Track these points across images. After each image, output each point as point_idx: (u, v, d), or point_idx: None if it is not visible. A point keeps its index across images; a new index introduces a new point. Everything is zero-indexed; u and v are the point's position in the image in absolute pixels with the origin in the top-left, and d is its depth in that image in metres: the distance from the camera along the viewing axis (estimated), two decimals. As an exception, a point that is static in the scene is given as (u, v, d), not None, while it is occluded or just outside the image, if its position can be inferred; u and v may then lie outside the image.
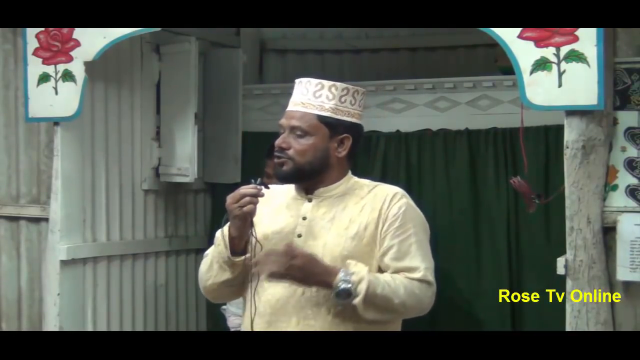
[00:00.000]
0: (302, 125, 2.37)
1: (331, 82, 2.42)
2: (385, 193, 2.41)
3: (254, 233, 2.30)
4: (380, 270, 2.35)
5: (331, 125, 2.39)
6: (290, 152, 2.35)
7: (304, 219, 2.32)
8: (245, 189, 2.27)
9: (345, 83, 2.45)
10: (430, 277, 2.35)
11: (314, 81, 2.40)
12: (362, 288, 2.21)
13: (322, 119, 2.38)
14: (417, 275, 2.32)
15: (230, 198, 2.27)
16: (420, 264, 2.35)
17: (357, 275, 2.23)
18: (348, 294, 2.20)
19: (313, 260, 2.25)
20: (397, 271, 2.32)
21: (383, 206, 2.37)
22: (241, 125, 4.34)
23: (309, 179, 2.41)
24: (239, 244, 2.31)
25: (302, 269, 2.23)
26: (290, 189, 2.46)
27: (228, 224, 2.33)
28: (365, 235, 2.35)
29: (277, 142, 2.36)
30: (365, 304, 2.22)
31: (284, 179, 2.37)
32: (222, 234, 2.34)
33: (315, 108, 2.38)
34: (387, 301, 2.25)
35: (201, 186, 4.52)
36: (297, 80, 2.44)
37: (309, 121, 2.37)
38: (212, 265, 2.38)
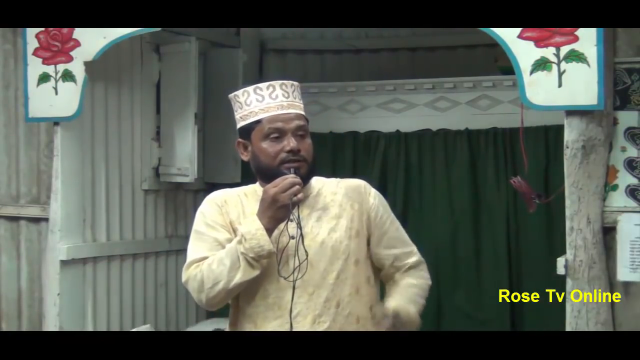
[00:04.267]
0: (304, 125, 2.38)
1: (296, 82, 2.45)
2: (355, 185, 2.48)
3: (297, 220, 2.27)
4: (371, 259, 2.47)
5: (308, 123, 2.43)
6: (303, 153, 2.35)
7: (291, 220, 2.30)
8: (292, 179, 2.25)
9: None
10: (419, 255, 2.56)
11: (288, 82, 2.41)
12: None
13: (305, 119, 2.42)
14: (415, 258, 2.53)
15: (277, 188, 2.23)
16: (412, 246, 2.54)
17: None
18: None
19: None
20: (395, 256, 2.48)
21: (361, 199, 2.44)
22: (241, 125, 4.33)
23: (310, 178, 2.42)
24: (270, 236, 2.27)
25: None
26: (252, 192, 2.43)
27: (251, 218, 2.29)
28: (354, 228, 2.40)
29: (292, 146, 2.31)
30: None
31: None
32: (250, 229, 2.26)
33: (300, 109, 2.41)
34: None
35: (201, 186, 4.52)
36: (266, 84, 2.40)
37: (304, 121, 2.40)
38: (234, 264, 2.27)
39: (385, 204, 2.51)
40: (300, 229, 2.28)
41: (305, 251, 2.28)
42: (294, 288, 2.29)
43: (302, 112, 2.41)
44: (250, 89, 2.40)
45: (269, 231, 2.27)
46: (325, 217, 2.39)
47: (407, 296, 2.45)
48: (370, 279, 2.46)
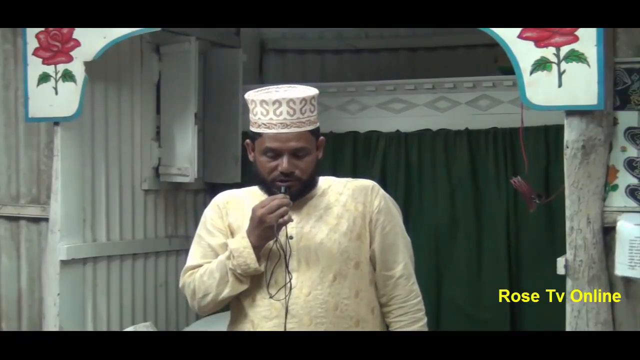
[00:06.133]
0: (305, 145, 2.34)
1: (310, 94, 2.36)
2: (363, 186, 2.46)
3: (285, 238, 2.30)
4: (371, 260, 2.44)
5: (316, 135, 2.40)
6: (297, 173, 2.33)
7: (291, 221, 2.32)
8: (280, 200, 2.26)
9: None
10: (411, 269, 2.48)
11: (297, 99, 2.33)
12: None
13: (311, 132, 2.38)
14: (399, 269, 2.43)
15: (265, 209, 2.25)
16: (403, 258, 2.45)
17: None
18: None
19: None
20: (383, 262, 2.42)
21: (366, 200, 2.43)
22: (241, 125, 4.34)
23: (310, 189, 2.42)
24: (258, 254, 2.30)
25: None
26: (257, 192, 2.43)
27: (240, 235, 2.32)
28: (355, 229, 2.40)
29: (283, 168, 2.30)
30: None
31: (291, 199, 2.33)
32: (238, 246, 2.29)
33: (306, 124, 2.35)
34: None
35: (201, 186, 4.52)
36: (273, 99, 2.33)
37: (307, 139, 2.35)
38: (223, 278, 2.33)
39: (390, 208, 2.47)
40: (284, 250, 2.30)
41: (290, 272, 2.31)
42: (287, 308, 2.30)
43: (309, 128, 2.35)
44: (257, 100, 2.35)
45: (257, 249, 2.30)
46: (326, 218, 2.39)
47: None
48: (374, 282, 2.46)
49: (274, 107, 2.33)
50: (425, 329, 2.47)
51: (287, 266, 2.31)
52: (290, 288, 2.30)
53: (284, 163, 2.32)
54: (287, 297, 2.30)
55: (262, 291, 2.35)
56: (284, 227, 2.30)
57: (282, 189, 2.31)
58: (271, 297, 2.32)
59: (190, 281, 2.42)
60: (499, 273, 4.03)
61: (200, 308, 2.42)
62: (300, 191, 2.36)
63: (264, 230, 2.27)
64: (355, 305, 2.37)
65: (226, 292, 2.34)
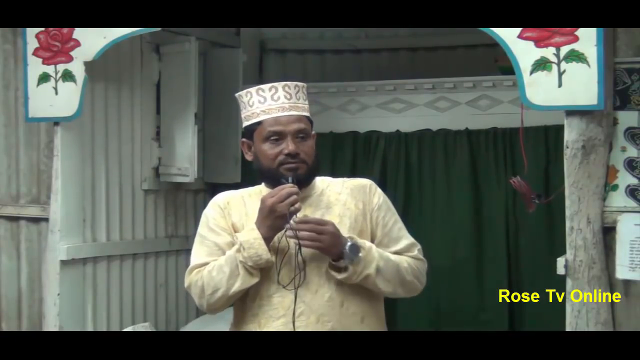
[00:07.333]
0: (305, 127, 2.39)
1: (301, 83, 2.45)
2: (361, 185, 2.49)
3: (293, 228, 2.29)
4: None
5: (311, 125, 2.44)
6: (302, 155, 2.36)
7: (292, 221, 2.31)
8: (289, 188, 2.27)
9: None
10: (422, 255, 2.52)
11: (291, 84, 2.42)
12: (370, 246, 2.35)
13: (309, 120, 2.43)
14: (414, 253, 2.48)
15: (275, 198, 2.25)
16: (413, 245, 2.50)
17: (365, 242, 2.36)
18: (357, 248, 2.29)
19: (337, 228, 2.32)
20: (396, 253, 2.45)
21: (365, 198, 2.46)
22: (241, 125, 4.33)
23: (313, 178, 2.43)
24: (268, 245, 2.30)
25: (333, 234, 2.27)
26: (257, 192, 2.44)
27: (250, 227, 2.31)
28: (357, 227, 2.41)
29: (289, 150, 2.33)
30: (376, 268, 2.33)
31: (299, 184, 2.35)
32: (248, 238, 2.28)
33: (303, 110, 2.41)
34: (394, 268, 2.39)
35: (201, 186, 4.52)
36: (269, 86, 2.42)
37: (306, 123, 2.40)
38: (233, 272, 2.31)
39: (389, 203, 2.52)
40: (298, 238, 2.29)
41: (304, 260, 2.30)
42: (295, 296, 2.30)
43: (305, 114, 2.42)
44: (253, 89, 2.43)
45: (268, 240, 2.29)
46: (328, 216, 2.40)
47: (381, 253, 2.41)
48: None
49: (271, 92, 2.40)
50: (412, 262, 2.46)
51: (300, 252, 2.29)
52: (303, 277, 2.30)
53: (289, 145, 2.34)
54: (297, 287, 2.29)
55: (269, 290, 2.35)
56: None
57: (289, 179, 2.31)
58: (284, 287, 2.31)
59: (197, 279, 2.38)
60: (499, 273, 4.03)
61: (209, 305, 2.38)
62: (306, 176, 2.37)
63: (275, 219, 2.27)
64: (359, 302, 2.38)
65: (237, 286, 2.31)
